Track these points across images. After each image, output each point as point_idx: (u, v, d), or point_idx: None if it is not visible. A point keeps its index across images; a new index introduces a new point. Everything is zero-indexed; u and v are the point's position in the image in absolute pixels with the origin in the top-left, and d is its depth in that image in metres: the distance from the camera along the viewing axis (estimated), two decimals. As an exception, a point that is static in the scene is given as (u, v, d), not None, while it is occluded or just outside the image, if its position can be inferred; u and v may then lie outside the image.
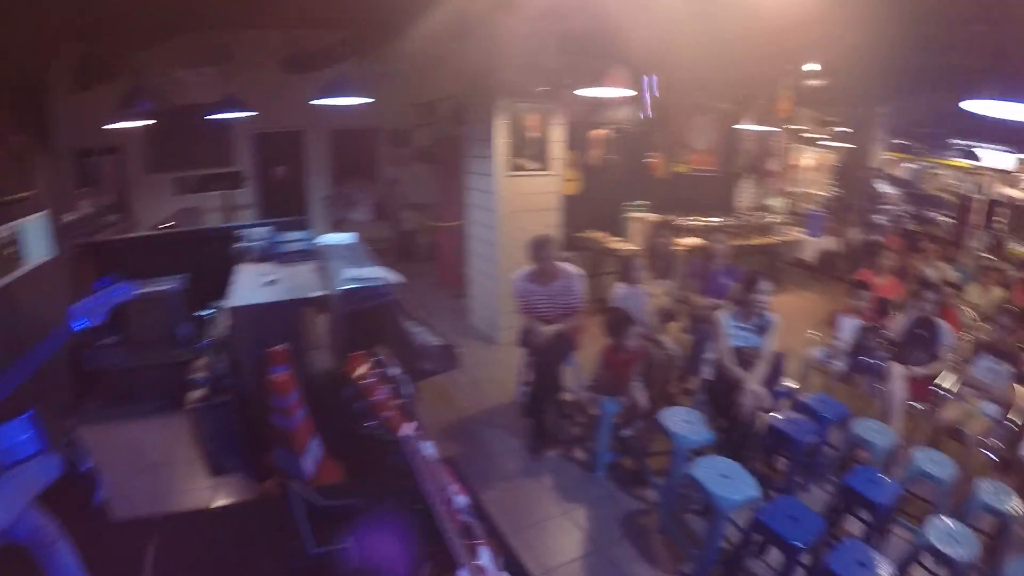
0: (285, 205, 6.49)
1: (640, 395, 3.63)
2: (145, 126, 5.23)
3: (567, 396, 4.07)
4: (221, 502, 3.43)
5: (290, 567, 2.81)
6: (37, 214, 4.27)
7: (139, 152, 6.58)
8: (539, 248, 3.86)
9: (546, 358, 3.80)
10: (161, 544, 2.90)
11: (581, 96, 4.47)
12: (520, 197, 5.19)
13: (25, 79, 4.24)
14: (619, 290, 4.24)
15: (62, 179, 5.02)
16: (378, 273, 3.33)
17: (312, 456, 3.18)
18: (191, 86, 5.66)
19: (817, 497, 3.34)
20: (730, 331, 3.66)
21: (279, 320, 3.19)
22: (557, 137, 5.27)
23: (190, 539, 3.01)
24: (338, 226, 4.86)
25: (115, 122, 4.91)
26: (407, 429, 2.05)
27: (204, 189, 6.11)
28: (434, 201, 7.25)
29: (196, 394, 3.65)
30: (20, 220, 3.94)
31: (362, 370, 2.09)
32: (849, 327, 4.27)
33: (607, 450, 3.59)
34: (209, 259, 4.22)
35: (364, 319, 3.15)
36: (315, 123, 6.84)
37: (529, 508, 3.36)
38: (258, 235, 4.24)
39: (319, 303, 3.30)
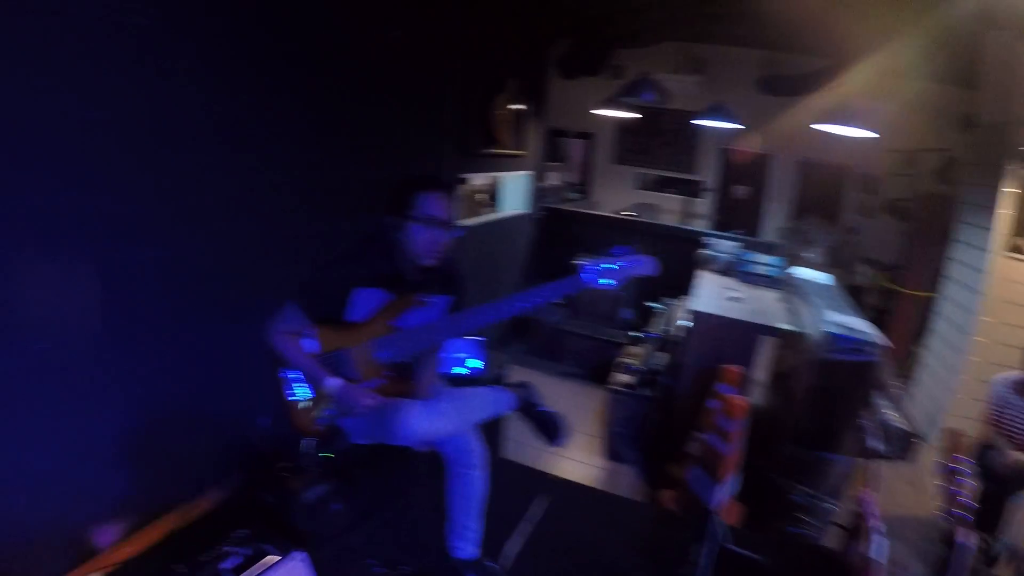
0: (738, 224, 6.26)
1: None
2: (618, 119, 5.68)
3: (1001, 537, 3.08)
4: (609, 489, 3.44)
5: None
6: (523, 172, 5.00)
7: (609, 142, 7.13)
8: None
9: (1000, 487, 3.01)
10: (550, 502, 2.98)
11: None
12: (1014, 285, 4.13)
13: (528, 60, 4.98)
14: None
15: (541, 151, 5.77)
16: (865, 327, 2.87)
17: (726, 490, 2.94)
18: (669, 90, 5.87)
19: None
20: None
21: (739, 339, 3.02)
22: (1071, 220, 3.88)
23: (572, 510, 3.04)
24: (790, 261, 4.48)
25: (604, 108, 5.41)
26: (966, 537, 1.57)
27: (663, 189, 6.40)
28: (896, 261, 6.22)
29: (622, 378, 3.77)
30: (506, 173, 4.61)
31: (959, 450, 1.68)
32: None
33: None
34: (666, 256, 4.27)
35: (836, 371, 2.74)
36: (783, 149, 6.49)
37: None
38: (725, 247, 4.17)
39: (784, 337, 3.00)
